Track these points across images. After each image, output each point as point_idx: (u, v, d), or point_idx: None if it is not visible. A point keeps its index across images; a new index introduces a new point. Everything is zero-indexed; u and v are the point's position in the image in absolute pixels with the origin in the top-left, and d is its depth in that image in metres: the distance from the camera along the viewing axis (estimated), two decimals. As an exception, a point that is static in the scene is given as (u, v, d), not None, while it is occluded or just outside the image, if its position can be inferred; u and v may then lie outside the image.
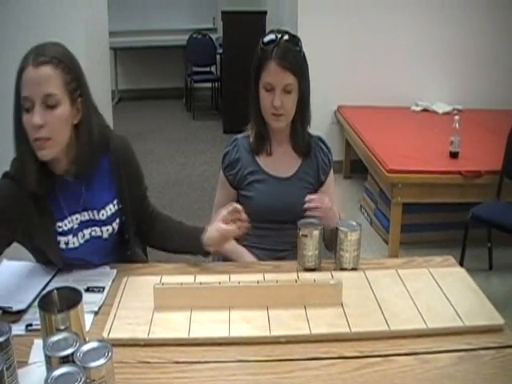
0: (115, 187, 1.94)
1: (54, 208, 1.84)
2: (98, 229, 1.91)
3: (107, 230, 1.92)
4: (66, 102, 1.71)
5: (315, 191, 2.19)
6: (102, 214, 1.91)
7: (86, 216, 1.89)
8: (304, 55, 2.07)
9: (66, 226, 1.85)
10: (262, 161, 2.19)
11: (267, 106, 2.05)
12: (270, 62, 2.01)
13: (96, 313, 1.67)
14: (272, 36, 2.05)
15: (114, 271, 1.89)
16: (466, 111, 5.29)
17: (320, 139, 2.26)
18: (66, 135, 1.75)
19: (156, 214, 2.11)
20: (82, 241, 1.89)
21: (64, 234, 1.85)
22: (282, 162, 2.19)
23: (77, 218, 1.87)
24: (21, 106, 1.68)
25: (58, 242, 1.84)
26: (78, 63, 1.78)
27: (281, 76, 2.01)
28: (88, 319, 1.61)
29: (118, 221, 1.94)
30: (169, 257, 2.22)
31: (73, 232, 1.87)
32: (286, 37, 2.04)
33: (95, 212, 1.90)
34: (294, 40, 2.06)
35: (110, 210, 1.93)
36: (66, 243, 1.86)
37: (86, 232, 1.90)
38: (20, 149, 1.76)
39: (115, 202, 1.94)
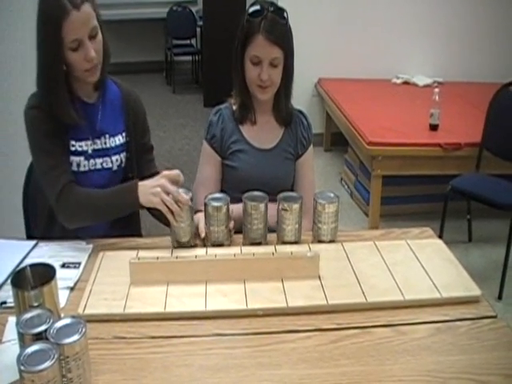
0: (124, 121, 2.07)
1: (73, 129, 1.94)
2: (108, 159, 2.01)
3: (116, 159, 2.03)
4: (98, 25, 1.87)
5: (294, 163, 2.23)
6: (112, 142, 2.03)
7: (98, 145, 2.00)
8: (290, 27, 2.06)
9: (80, 147, 1.96)
10: (245, 131, 2.20)
11: (253, 78, 2.05)
12: (257, 35, 1.99)
13: (72, 289, 1.66)
14: (258, 7, 2.02)
15: (90, 246, 1.87)
16: (446, 84, 5.29)
17: (301, 113, 2.28)
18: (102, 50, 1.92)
19: None
20: (92, 167, 1.99)
21: (77, 154, 1.96)
22: (264, 133, 2.20)
23: (91, 144, 1.98)
24: (59, 48, 1.79)
25: (71, 163, 1.95)
26: None
27: (268, 50, 2.00)
28: (63, 295, 1.59)
29: (124, 154, 2.06)
30: (146, 231, 2.21)
31: (85, 155, 1.97)
32: (272, 8, 2.02)
33: (107, 137, 2.01)
34: (281, 12, 2.03)
35: (119, 140, 2.05)
36: (78, 164, 1.96)
37: (98, 161, 2.00)
38: (54, 89, 1.87)
39: (124, 134, 2.06)
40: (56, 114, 1.88)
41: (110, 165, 2.02)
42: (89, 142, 1.98)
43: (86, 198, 1.88)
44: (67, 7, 1.74)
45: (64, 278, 1.66)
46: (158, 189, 1.76)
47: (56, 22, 1.75)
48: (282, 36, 2.01)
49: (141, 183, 1.82)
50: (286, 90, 2.15)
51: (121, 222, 2.02)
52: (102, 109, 2.01)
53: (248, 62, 2.04)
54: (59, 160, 1.91)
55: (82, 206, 1.88)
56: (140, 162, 2.12)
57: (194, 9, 8.23)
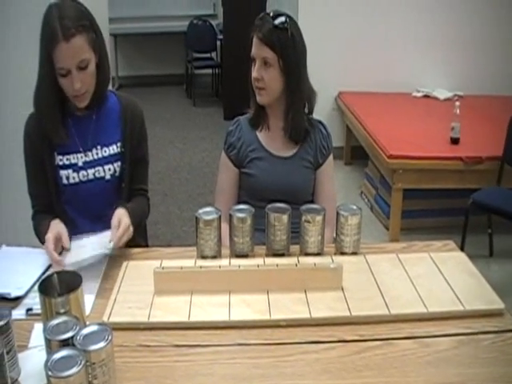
0: (121, 131, 2.10)
1: (62, 144, 2.02)
2: (100, 168, 2.06)
3: (109, 169, 2.08)
4: (92, 56, 1.91)
5: (314, 172, 2.25)
6: (105, 151, 2.08)
7: (90, 156, 2.06)
8: (293, 36, 2.10)
9: (68, 160, 2.04)
10: (263, 139, 2.23)
11: (252, 79, 2.15)
12: (254, 36, 2.11)
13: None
14: (263, 14, 2.14)
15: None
16: (466, 97, 5.27)
17: (321, 123, 2.30)
18: (95, 80, 1.97)
19: (138, 195, 2.20)
20: (84, 179, 2.05)
21: (65, 167, 2.03)
22: (282, 141, 2.23)
23: (82, 156, 2.05)
24: (52, 69, 1.87)
25: (60, 177, 2.03)
26: (89, 12, 1.94)
27: (259, 49, 2.10)
28: (88, 303, 1.61)
29: (119, 163, 2.09)
30: (169, 242, 2.22)
31: (73, 167, 2.04)
32: (276, 16, 2.10)
33: (99, 148, 2.07)
34: (283, 20, 2.09)
35: (113, 149, 2.09)
36: (67, 177, 2.03)
37: (90, 172, 2.06)
38: (46, 108, 1.97)
39: (119, 144, 2.10)
40: (47, 132, 1.98)
41: (102, 174, 2.07)
42: (79, 155, 2.05)
43: (37, 231, 2.05)
44: (58, 37, 1.81)
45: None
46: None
47: (47, 48, 1.85)
48: (274, 38, 2.07)
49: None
50: (292, 101, 2.16)
51: None
52: (96, 120, 2.07)
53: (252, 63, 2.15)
54: (39, 189, 2.06)
55: (38, 235, 2.05)
56: (132, 174, 2.15)
57: (214, 22, 8.30)
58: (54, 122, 1.98)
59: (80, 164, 2.05)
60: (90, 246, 1.84)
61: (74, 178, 2.04)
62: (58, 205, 2.06)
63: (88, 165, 2.06)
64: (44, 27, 1.86)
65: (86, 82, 1.92)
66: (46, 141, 2.00)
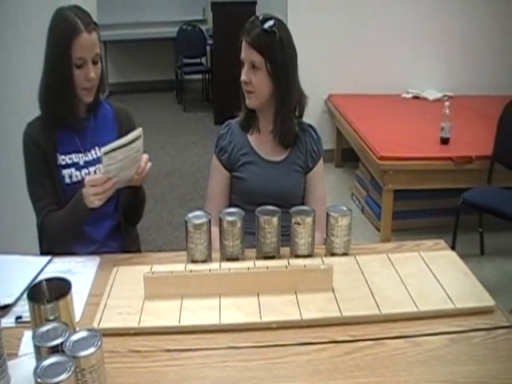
0: (117, 131, 2.16)
1: (63, 144, 2.08)
2: (101, 165, 2.04)
3: None
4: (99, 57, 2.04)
5: (304, 176, 2.26)
6: None
7: (89, 156, 2.12)
8: (282, 40, 2.11)
9: (70, 159, 2.09)
10: (254, 143, 2.24)
11: (242, 81, 2.16)
12: (243, 39, 2.13)
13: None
14: (253, 18, 2.16)
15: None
16: (456, 98, 5.30)
17: (311, 126, 2.30)
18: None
19: None
20: (86, 176, 2.06)
21: (68, 166, 2.08)
22: (272, 145, 2.23)
23: (83, 156, 2.11)
24: (69, 62, 1.96)
25: (63, 177, 2.07)
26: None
27: (248, 53, 2.12)
28: (79, 309, 1.60)
29: None
30: (160, 247, 2.22)
31: (75, 166, 2.09)
32: (265, 20, 2.11)
33: (97, 148, 2.12)
34: (271, 23, 2.10)
35: None
36: (70, 176, 2.08)
37: (91, 169, 2.11)
38: (64, 95, 2.02)
39: None
40: (68, 122, 2.07)
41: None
42: (80, 155, 2.11)
43: (54, 225, 2.03)
44: (80, 28, 1.94)
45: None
46: (88, 191, 1.87)
47: (67, 38, 1.94)
48: (261, 42, 2.09)
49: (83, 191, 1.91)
50: (282, 105, 2.16)
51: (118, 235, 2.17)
52: (94, 123, 2.15)
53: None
54: (44, 190, 2.06)
55: (53, 233, 2.04)
56: None
57: (203, 28, 8.32)
58: (71, 108, 2.05)
59: (81, 163, 2.10)
60: (119, 164, 1.86)
61: (76, 176, 2.08)
62: (62, 205, 2.07)
63: (88, 164, 2.10)
64: (59, 25, 1.97)
65: (97, 74, 2.02)
66: (51, 142, 2.05)
